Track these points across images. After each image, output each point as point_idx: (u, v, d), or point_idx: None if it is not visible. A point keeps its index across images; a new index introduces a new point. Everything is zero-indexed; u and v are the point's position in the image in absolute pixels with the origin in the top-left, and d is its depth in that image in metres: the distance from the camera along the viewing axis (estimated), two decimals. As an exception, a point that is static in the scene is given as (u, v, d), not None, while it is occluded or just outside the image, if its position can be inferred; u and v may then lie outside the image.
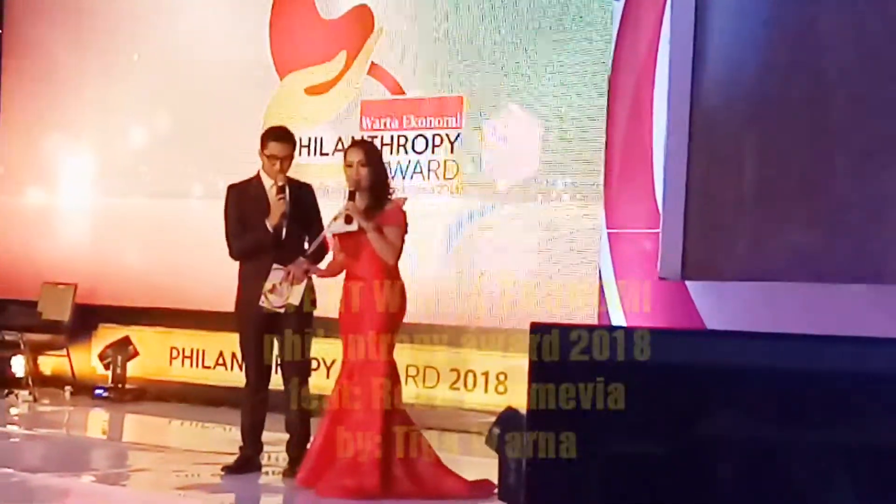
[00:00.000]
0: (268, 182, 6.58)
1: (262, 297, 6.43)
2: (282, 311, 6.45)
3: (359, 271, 6.18)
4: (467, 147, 8.71)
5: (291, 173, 6.64)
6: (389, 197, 6.22)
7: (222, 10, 9.95)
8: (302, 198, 6.60)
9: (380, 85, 9.14)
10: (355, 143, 6.59)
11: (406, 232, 6.21)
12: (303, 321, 6.54)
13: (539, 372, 3.08)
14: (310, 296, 6.55)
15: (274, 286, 6.43)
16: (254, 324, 6.56)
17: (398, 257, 6.15)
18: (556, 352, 3.10)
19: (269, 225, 6.48)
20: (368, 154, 6.24)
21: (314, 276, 6.51)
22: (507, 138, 8.54)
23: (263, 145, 6.59)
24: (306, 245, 6.51)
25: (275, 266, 6.41)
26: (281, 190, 6.50)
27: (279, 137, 6.62)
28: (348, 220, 6.11)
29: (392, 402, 6.08)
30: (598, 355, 3.11)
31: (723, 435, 3.01)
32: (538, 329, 3.09)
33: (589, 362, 3.11)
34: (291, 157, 6.64)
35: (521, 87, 8.49)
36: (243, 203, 6.60)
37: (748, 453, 3.00)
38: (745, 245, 6.45)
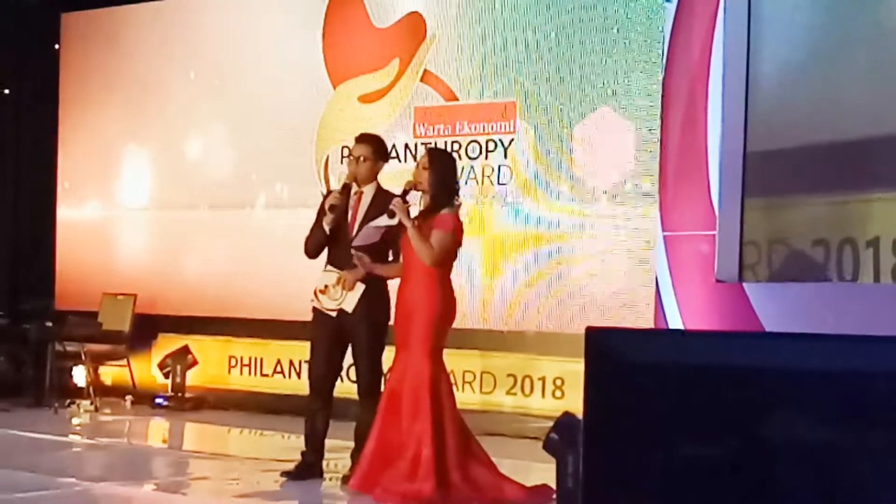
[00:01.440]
0: (354, 189, 6.65)
1: (313, 296, 6.48)
2: (333, 314, 6.47)
3: (410, 274, 6.22)
4: (522, 152, 8.70)
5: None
6: (454, 203, 6.24)
7: (276, 21, 10.00)
8: (383, 205, 6.59)
9: (433, 91, 9.15)
10: (429, 149, 6.74)
11: (457, 239, 6.20)
12: (374, 330, 6.57)
13: (595, 376, 3.06)
14: (383, 305, 6.58)
15: (326, 287, 6.47)
16: (321, 328, 6.60)
17: (438, 261, 6.14)
18: (613, 356, 3.07)
19: (324, 223, 6.55)
20: (433, 159, 6.32)
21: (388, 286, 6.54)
22: (563, 141, 8.52)
23: (351, 150, 6.80)
24: (390, 256, 6.57)
25: (327, 268, 6.48)
26: (344, 188, 6.58)
27: (360, 139, 6.81)
28: (391, 214, 6.19)
29: (444, 406, 6.08)
30: (656, 359, 3.07)
31: (785, 439, 2.96)
32: (594, 333, 3.06)
33: (646, 366, 3.07)
34: (370, 159, 6.69)
35: (574, 92, 8.45)
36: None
37: (810, 457, 2.95)
38: (804, 245, 6.38)
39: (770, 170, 6.42)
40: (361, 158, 6.67)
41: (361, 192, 6.64)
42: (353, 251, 6.43)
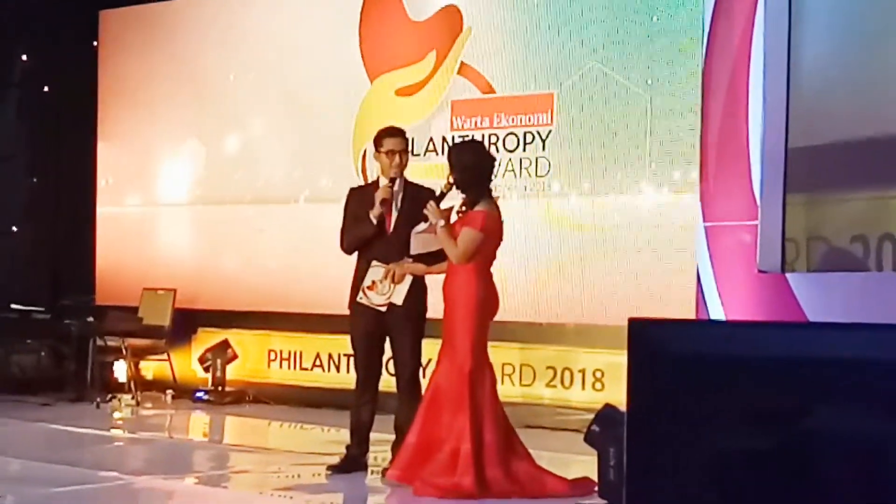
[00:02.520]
0: (383, 184, 6.65)
1: (361, 293, 6.47)
2: (383, 309, 6.48)
3: (450, 269, 6.23)
4: (559, 144, 8.67)
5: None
6: (488, 197, 6.22)
7: (313, 16, 10.00)
8: (419, 199, 6.59)
9: (470, 84, 9.13)
10: (449, 147, 6.73)
11: (487, 234, 6.17)
12: (414, 322, 6.58)
13: (638, 368, 3.04)
14: (421, 297, 6.58)
15: (374, 283, 6.46)
16: (362, 323, 6.60)
17: (465, 258, 6.13)
18: (656, 347, 3.05)
19: (371, 215, 6.54)
20: (451, 160, 6.31)
21: (426, 276, 6.54)
22: (600, 133, 8.48)
23: (379, 144, 6.72)
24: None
25: (374, 263, 6.47)
26: (391, 181, 6.58)
27: (393, 133, 6.76)
28: (425, 218, 6.22)
29: (485, 401, 6.08)
30: (699, 350, 3.05)
31: (829, 430, 2.93)
32: (636, 325, 3.04)
33: (689, 357, 3.05)
34: (407, 151, 6.75)
35: (611, 83, 8.41)
36: (360, 202, 6.70)
37: (855, 447, 2.92)
38: (847, 234, 6.32)
39: (809, 166, 6.36)
40: (403, 151, 6.68)
41: (392, 179, 6.64)
42: (408, 258, 6.44)
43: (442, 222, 6.15)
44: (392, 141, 6.70)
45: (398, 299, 6.46)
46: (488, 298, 6.23)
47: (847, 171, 6.30)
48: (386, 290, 6.45)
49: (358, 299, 6.48)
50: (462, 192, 6.25)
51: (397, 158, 6.64)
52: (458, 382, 6.05)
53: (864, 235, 6.26)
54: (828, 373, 2.99)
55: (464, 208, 6.25)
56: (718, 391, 3.09)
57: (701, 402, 3.11)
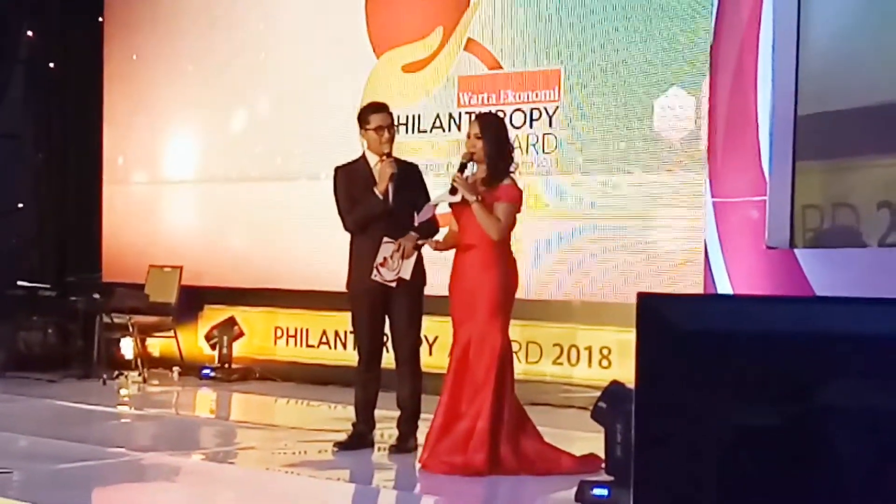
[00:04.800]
0: (373, 160, 6.62)
1: (374, 271, 6.44)
2: (393, 284, 6.46)
3: (469, 246, 6.16)
4: (566, 120, 8.63)
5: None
6: (511, 172, 6.18)
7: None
8: (409, 175, 6.63)
9: (477, 60, 9.09)
10: (476, 116, 6.67)
11: (519, 210, 6.17)
12: (414, 297, 6.57)
13: (647, 344, 3.01)
14: (422, 271, 6.57)
15: (385, 259, 6.43)
16: (366, 301, 6.59)
17: (506, 234, 6.11)
18: (665, 323, 3.02)
19: (377, 191, 6.50)
20: (484, 127, 6.21)
21: (423, 252, 6.51)
22: (607, 109, 8.44)
23: (365, 121, 6.66)
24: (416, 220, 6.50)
25: (385, 240, 6.43)
26: (388, 156, 6.54)
27: (379, 109, 6.72)
28: (453, 191, 6.11)
29: (507, 380, 6.06)
30: (709, 325, 3.03)
31: (842, 405, 2.91)
32: (645, 300, 3.01)
33: (699, 333, 3.03)
34: (394, 126, 6.72)
35: (618, 59, 8.37)
36: (352, 181, 6.64)
37: (867, 424, 2.91)
38: (857, 211, 6.29)
39: (830, 131, 6.31)
40: (391, 126, 6.66)
41: (387, 153, 6.61)
42: (412, 234, 6.40)
43: (474, 197, 6.04)
44: (380, 116, 6.65)
45: (406, 274, 6.44)
46: (513, 275, 6.21)
47: (871, 136, 6.23)
48: (395, 266, 6.43)
49: (372, 276, 6.45)
50: (490, 163, 6.14)
51: (386, 133, 6.59)
52: (487, 361, 6.01)
53: (889, 202, 6.21)
54: (837, 347, 2.97)
55: (487, 180, 6.14)
56: (728, 366, 3.07)
57: (710, 378, 3.09)
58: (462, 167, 6.17)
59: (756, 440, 3.00)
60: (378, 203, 6.52)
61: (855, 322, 2.95)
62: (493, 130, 6.20)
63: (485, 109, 8.89)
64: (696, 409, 3.04)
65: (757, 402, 3.01)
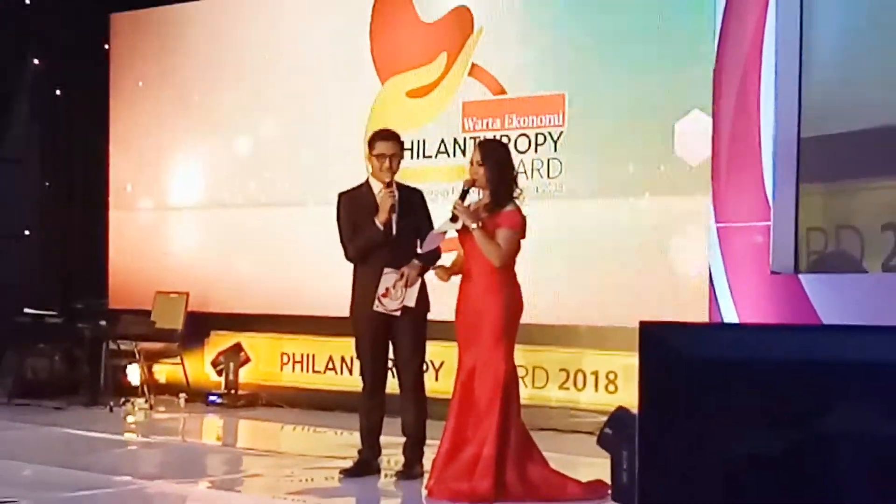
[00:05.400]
0: (377, 187, 6.62)
1: (376, 302, 6.43)
2: (397, 314, 6.45)
3: (474, 271, 6.15)
4: (570, 145, 8.64)
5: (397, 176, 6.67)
6: (515, 198, 6.17)
7: (324, 17, 9.99)
8: (412, 202, 6.64)
9: (481, 85, 9.11)
10: (479, 143, 6.69)
11: (523, 235, 6.17)
12: (417, 323, 6.56)
13: (649, 372, 3.01)
14: (424, 297, 6.56)
15: (387, 290, 6.42)
16: (369, 327, 6.59)
17: (508, 260, 6.10)
18: (667, 351, 3.02)
19: (378, 221, 6.50)
20: (485, 153, 6.21)
21: (426, 277, 6.50)
22: (612, 134, 8.45)
23: (371, 147, 6.67)
24: (419, 249, 6.50)
25: (386, 270, 6.42)
26: (388, 185, 6.53)
27: (386, 137, 6.71)
28: (454, 218, 6.10)
29: (512, 406, 6.05)
30: (711, 353, 3.03)
31: (844, 434, 2.91)
32: (647, 328, 3.02)
33: (701, 361, 3.03)
34: (400, 156, 6.70)
35: (622, 83, 8.38)
36: (355, 208, 6.64)
37: (869, 452, 2.90)
38: (861, 233, 6.28)
39: (833, 153, 6.31)
40: (395, 155, 6.63)
41: (388, 182, 6.60)
42: (415, 261, 6.41)
43: (475, 224, 6.05)
44: (384, 145, 6.64)
45: (411, 302, 6.44)
46: (517, 301, 6.20)
47: (876, 158, 6.22)
48: (399, 295, 6.42)
49: (374, 308, 6.44)
50: (492, 189, 6.14)
51: (387, 162, 6.58)
52: (491, 387, 6.00)
53: (893, 223, 6.20)
54: (838, 375, 2.97)
55: (489, 207, 6.15)
56: (730, 394, 3.07)
57: (713, 407, 3.08)
58: (463, 194, 6.16)
59: (759, 467, 2.99)
60: (378, 234, 6.52)
61: (855, 350, 2.94)
62: (494, 157, 6.20)
63: (489, 134, 8.90)
64: (699, 436, 3.03)
65: (759, 430, 3.01)
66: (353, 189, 6.78)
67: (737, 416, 3.02)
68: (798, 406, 2.98)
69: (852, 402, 2.92)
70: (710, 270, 6.54)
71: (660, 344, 3.08)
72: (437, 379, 8.39)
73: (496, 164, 6.15)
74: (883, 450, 2.84)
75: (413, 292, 6.42)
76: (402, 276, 6.39)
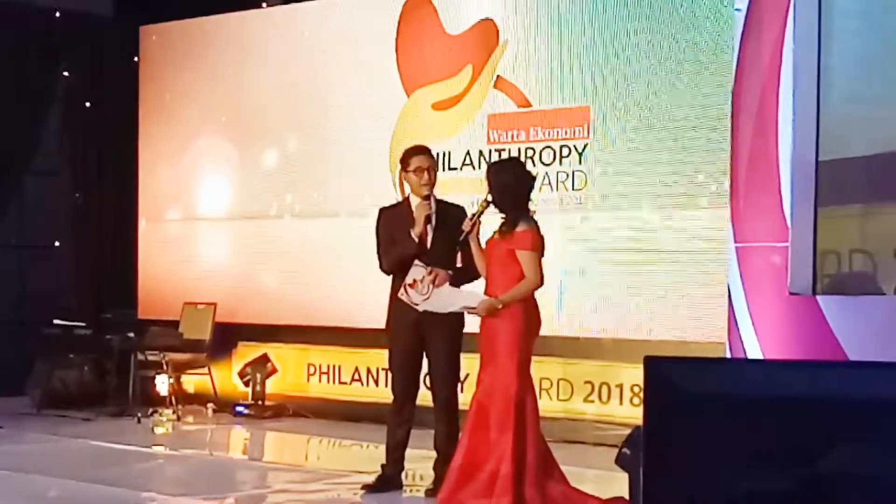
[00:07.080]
0: (416, 202, 6.68)
1: (402, 290, 6.43)
2: (419, 308, 6.43)
3: (490, 287, 6.19)
4: (595, 157, 8.63)
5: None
6: (530, 213, 6.18)
7: (350, 30, 10.02)
8: (449, 215, 6.63)
9: (506, 98, 9.11)
10: (488, 165, 6.73)
11: (542, 253, 6.18)
12: (453, 341, 6.59)
13: (654, 406, 3.02)
14: (459, 314, 6.56)
15: (415, 281, 6.42)
16: (402, 342, 6.62)
17: (540, 282, 6.14)
18: (672, 386, 3.03)
19: (413, 234, 6.53)
20: (489, 176, 6.28)
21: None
22: (637, 146, 8.44)
23: (406, 164, 6.74)
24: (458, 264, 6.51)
25: (416, 262, 6.44)
26: (426, 198, 6.59)
27: (419, 151, 6.82)
28: (464, 240, 6.23)
29: (528, 422, 6.05)
30: (716, 389, 3.03)
31: (850, 471, 2.90)
32: (651, 363, 3.03)
33: (706, 396, 3.03)
34: (435, 167, 6.78)
35: (646, 97, 8.37)
36: (393, 222, 6.71)
37: (876, 489, 2.89)
38: (873, 258, 6.25)
39: (848, 177, 6.29)
40: (431, 167, 6.68)
41: (426, 195, 6.66)
42: (449, 272, 6.46)
43: (477, 244, 6.20)
44: (419, 158, 6.72)
45: (436, 308, 6.40)
46: (533, 317, 6.21)
47: (880, 188, 6.22)
48: (425, 291, 6.40)
49: (399, 295, 6.46)
50: (501, 211, 6.20)
51: (425, 176, 6.64)
52: (503, 403, 6.01)
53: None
54: (845, 411, 2.96)
55: (503, 227, 6.19)
56: (736, 430, 3.07)
57: (718, 442, 3.08)
58: (479, 214, 6.22)
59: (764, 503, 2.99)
60: (413, 245, 6.54)
61: (865, 387, 2.93)
62: (499, 178, 6.22)
63: (514, 147, 8.92)
64: (705, 472, 3.03)
65: (764, 466, 3.00)
66: (394, 205, 6.93)
67: (742, 453, 3.02)
68: (804, 443, 2.97)
69: (856, 439, 2.91)
70: (728, 290, 6.51)
71: (665, 379, 3.09)
72: (462, 390, 8.39)
73: (500, 186, 6.18)
74: (887, 489, 2.83)
75: (442, 298, 6.37)
76: (431, 271, 6.40)
